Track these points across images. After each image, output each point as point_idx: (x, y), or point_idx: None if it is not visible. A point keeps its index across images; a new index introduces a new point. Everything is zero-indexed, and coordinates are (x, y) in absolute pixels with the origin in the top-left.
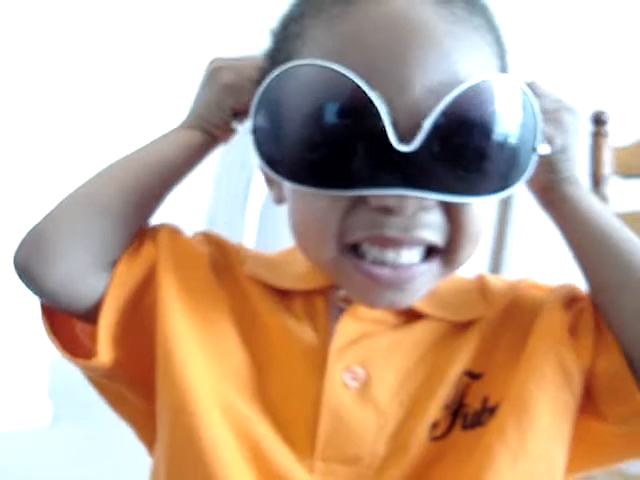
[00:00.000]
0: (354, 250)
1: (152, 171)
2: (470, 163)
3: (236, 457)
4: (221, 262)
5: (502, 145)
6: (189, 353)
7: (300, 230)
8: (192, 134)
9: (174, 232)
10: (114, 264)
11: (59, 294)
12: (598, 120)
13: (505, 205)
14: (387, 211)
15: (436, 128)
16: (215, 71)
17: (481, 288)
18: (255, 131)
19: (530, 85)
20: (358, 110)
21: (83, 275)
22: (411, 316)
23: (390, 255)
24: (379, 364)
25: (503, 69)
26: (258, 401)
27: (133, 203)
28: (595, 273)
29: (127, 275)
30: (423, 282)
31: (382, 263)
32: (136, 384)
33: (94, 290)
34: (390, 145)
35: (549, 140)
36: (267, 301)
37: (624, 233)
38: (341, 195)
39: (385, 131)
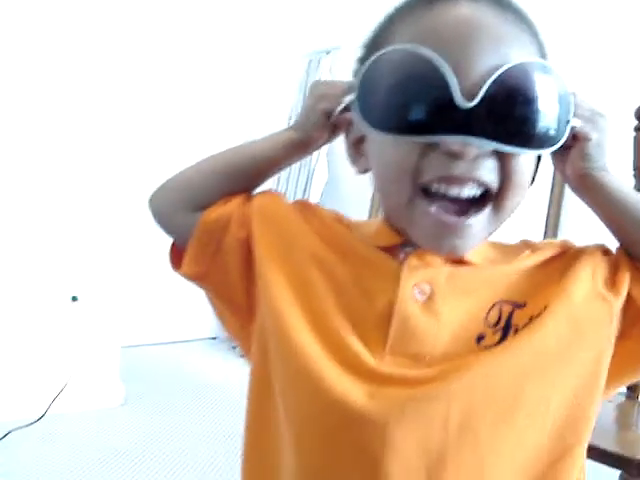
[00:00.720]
0: (425, 193)
1: (251, 158)
2: (517, 122)
3: (319, 350)
4: (309, 213)
5: (541, 112)
6: (281, 284)
7: (383, 175)
8: (290, 134)
9: (271, 193)
10: (203, 209)
11: (168, 226)
12: None
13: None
14: (453, 155)
15: (490, 93)
16: (313, 87)
17: (525, 244)
18: (359, 100)
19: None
20: (434, 79)
21: (181, 214)
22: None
23: (455, 190)
24: (441, 285)
25: (541, 53)
26: (340, 310)
27: (232, 177)
28: (626, 234)
29: (212, 217)
30: (479, 229)
31: (447, 206)
32: (219, 296)
33: (183, 225)
34: (456, 104)
35: (586, 137)
36: (351, 235)
37: None
38: (418, 141)
39: (453, 94)
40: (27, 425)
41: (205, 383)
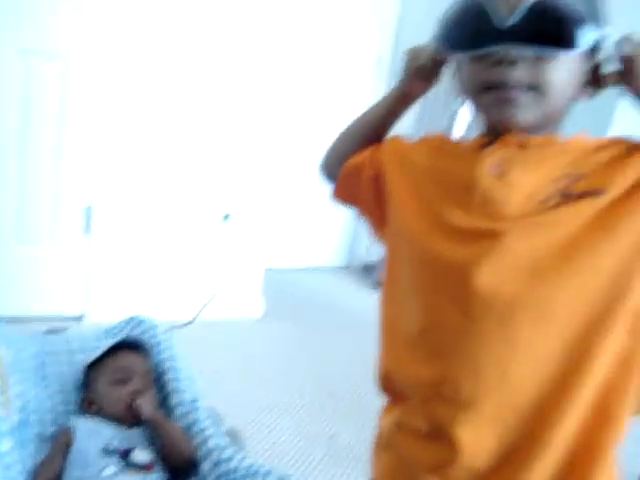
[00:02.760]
0: (486, 90)
1: (374, 116)
2: (544, 34)
3: (426, 227)
4: (425, 141)
5: (569, 24)
6: (403, 194)
7: (462, 83)
8: (395, 91)
9: (393, 137)
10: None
11: (330, 178)
12: None
13: None
14: (497, 63)
15: (524, 13)
16: (406, 52)
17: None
18: (440, 37)
19: (627, 33)
20: (481, 8)
21: (335, 166)
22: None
23: (502, 93)
24: (511, 162)
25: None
26: (438, 189)
27: (363, 134)
28: None
29: (351, 163)
30: (529, 102)
31: (502, 94)
32: (364, 211)
33: (337, 173)
34: (496, 23)
35: (635, 58)
36: (450, 143)
37: None
38: (472, 54)
39: (492, 18)
40: (180, 327)
41: (337, 306)
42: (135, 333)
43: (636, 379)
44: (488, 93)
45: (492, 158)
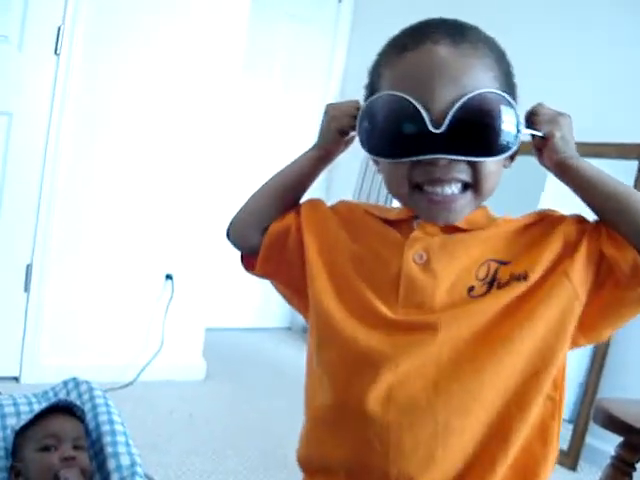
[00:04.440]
0: (419, 188)
1: (291, 178)
2: (476, 138)
3: (343, 310)
4: (345, 212)
5: (495, 127)
6: (320, 270)
7: (388, 180)
8: (313, 152)
9: (313, 202)
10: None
11: (243, 246)
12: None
13: None
14: (433, 165)
15: (455, 119)
16: (326, 109)
17: (506, 216)
18: (359, 133)
19: (536, 105)
20: (409, 113)
21: (252, 235)
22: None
23: (438, 188)
24: (435, 251)
25: (507, 82)
26: (360, 276)
27: (281, 196)
28: (603, 208)
29: (274, 230)
30: (463, 205)
31: (436, 195)
32: (286, 285)
33: (254, 242)
34: (429, 130)
35: (552, 134)
36: (374, 221)
37: (617, 181)
38: (406, 161)
39: (425, 123)
40: (119, 388)
41: (280, 367)
42: (73, 395)
43: (554, 442)
44: (419, 193)
45: (416, 246)
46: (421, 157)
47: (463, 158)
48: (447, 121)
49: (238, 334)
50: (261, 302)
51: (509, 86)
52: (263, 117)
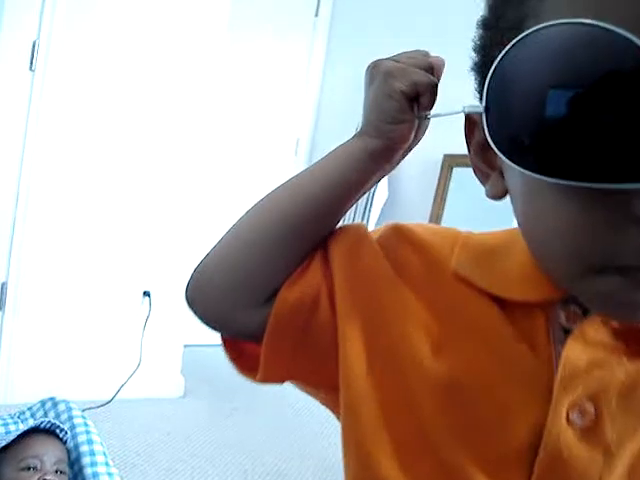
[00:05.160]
0: (608, 271)
1: (316, 197)
2: None
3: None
4: (418, 267)
5: None
6: (369, 393)
7: (534, 235)
8: (363, 143)
9: (353, 245)
10: (272, 296)
11: (218, 328)
12: None
13: None
14: None
15: None
16: (373, 67)
17: None
18: (488, 114)
19: None
20: (629, 76)
21: (233, 315)
22: None
23: None
24: (613, 400)
25: None
26: (450, 425)
27: (296, 235)
28: None
29: (288, 303)
30: None
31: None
32: (310, 384)
33: (247, 326)
34: None
35: None
36: (479, 305)
37: None
38: (598, 190)
39: None
40: (98, 407)
41: (257, 384)
42: (51, 415)
43: None
44: (605, 277)
45: (577, 389)
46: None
47: None
48: None
49: (217, 350)
50: None
51: None
52: (234, 151)
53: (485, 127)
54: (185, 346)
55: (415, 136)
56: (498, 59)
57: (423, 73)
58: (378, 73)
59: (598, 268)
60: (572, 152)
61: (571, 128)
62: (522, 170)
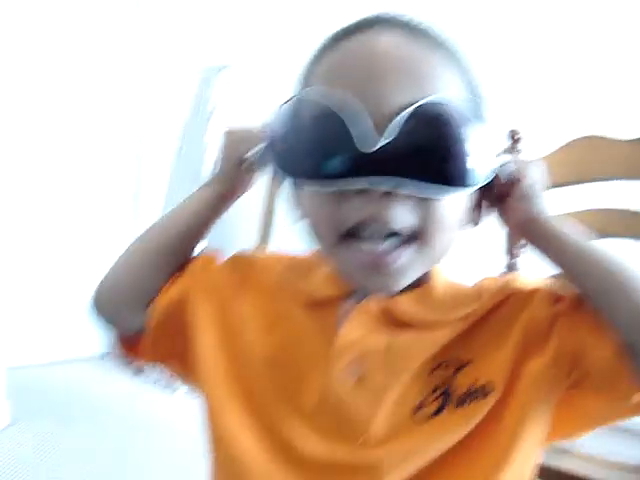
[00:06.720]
0: (349, 237)
1: (180, 230)
2: (432, 157)
3: (250, 435)
4: (246, 270)
5: (460, 148)
6: (220, 373)
7: (309, 224)
8: (214, 188)
9: (206, 262)
10: (152, 301)
11: (119, 327)
12: (513, 138)
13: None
14: (365, 196)
15: (403, 130)
16: (227, 135)
17: (479, 289)
18: (270, 145)
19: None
20: (338, 119)
21: (131, 314)
22: (405, 324)
23: (367, 236)
24: (375, 362)
25: (473, 92)
26: (274, 389)
27: (168, 257)
28: (586, 284)
29: (162, 306)
30: (405, 267)
31: (372, 247)
32: (182, 366)
33: (134, 322)
34: (369, 142)
35: (520, 176)
36: (294, 298)
37: (598, 246)
38: (328, 190)
39: (361, 133)
40: None
41: (96, 398)
42: None
43: None
44: (347, 245)
45: (347, 356)
46: (349, 180)
47: (411, 186)
48: (392, 131)
49: (46, 369)
50: (69, 330)
51: (476, 97)
52: None
53: (273, 158)
54: (9, 369)
55: (252, 183)
56: (275, 113)
57: (247, 145)
58: (227, 141)
59: (341, 235)
60: (308, 166)
61: (306, 149)
62: (291, 178)
